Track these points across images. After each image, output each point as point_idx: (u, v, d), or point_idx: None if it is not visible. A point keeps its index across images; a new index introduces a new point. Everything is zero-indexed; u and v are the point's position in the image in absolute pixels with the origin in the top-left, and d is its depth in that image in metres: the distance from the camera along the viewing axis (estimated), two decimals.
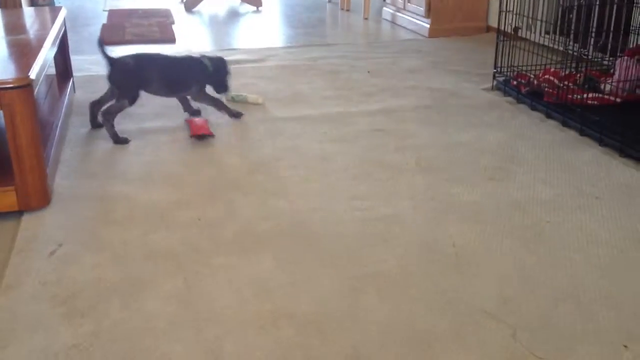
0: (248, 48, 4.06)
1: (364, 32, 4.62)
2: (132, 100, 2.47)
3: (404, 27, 4.72)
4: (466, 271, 1.60)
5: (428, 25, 4.39)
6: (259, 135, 2.53)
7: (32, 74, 1.83)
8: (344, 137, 2.50)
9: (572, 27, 3.16)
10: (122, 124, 2.60)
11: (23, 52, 2.08)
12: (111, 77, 2.45)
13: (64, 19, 2.82)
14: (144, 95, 2.53)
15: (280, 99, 2.97)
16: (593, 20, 2.92)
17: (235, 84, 3.15)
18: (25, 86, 1.78)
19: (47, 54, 2.12)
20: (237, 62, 3.66)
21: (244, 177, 2.15)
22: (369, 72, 3.44)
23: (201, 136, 2.44)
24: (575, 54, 2.78)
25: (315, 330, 1.38)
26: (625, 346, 1.33)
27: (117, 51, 3.92)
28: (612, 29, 3.07)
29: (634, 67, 2.74)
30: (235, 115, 2.68)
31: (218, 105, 2.63)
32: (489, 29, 4.45)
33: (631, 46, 2.92)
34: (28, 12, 2.93)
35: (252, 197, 2.00)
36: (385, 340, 1.35)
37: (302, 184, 2.10)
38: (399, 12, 4.83)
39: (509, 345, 1.34)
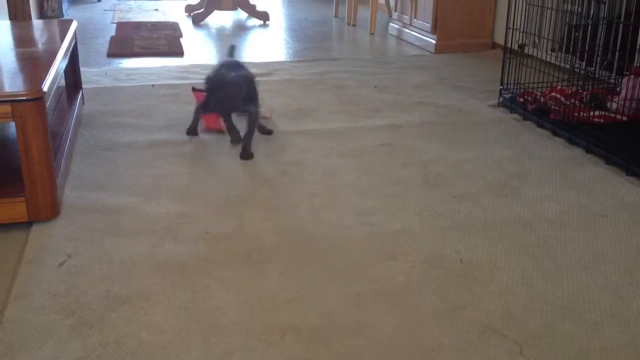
0: (255, 62, 4.08)
1: (371, 48, 4.65)
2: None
3: (410, 43, 4.75)
4: (473, 287, 1.61)
5: (434, 41, 4.42)
6: (266, 149, 2.54)
7: (45, 87, 1.85)
8: (351, 152, 2.51)
9: (579, 45, 3.18)
10: (129, 135, 2.63)
11: (35, 65, 2.10)
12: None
13: (75, 31, 2.85)
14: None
15: (288, 113, 2.99)
16: (599, 39, 2.94)
17: None
18: (37, 99, 1.80)
19: (58, 66, 2.14)
20: None
21: (252, 191, 2.17)
22: (375, 87, 3.46)
23: (215, 130, 2.50)
24: (581, 72, 2.80)
25: (322, 345, 1.39)
26: None
27: (125, 63, 3.96)
28: (618, 47, 3.09)
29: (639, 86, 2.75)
30: (268, 131, 2.68)
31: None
32: (494, 45, 4.47)
33: (637, 65, 2.93)
34: (38, 24, 2.96)
35: (260, 211, 2.01)
36: (392, 356, 1.36)
37: (309, 198, 2.11)
38: (405, 27, 4.87)
39: None
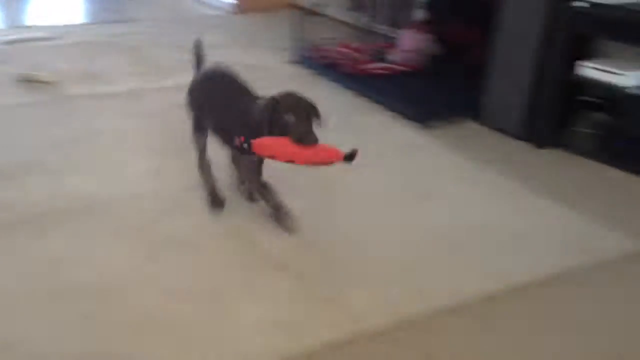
0: (43, 25, 3.81)
1: (169, 8, 4.54)
2: None
3: (210, 4, 4.71)
4: (263, 229, 1.69)
5: (234, 1, 4.42)
6: (52, 115, 2.41)
7: None
8: (144, 113, 2.47)
9: (365, 3, 3.39)
10: None
11: None
12: None
13: None
14: None
15: (77, 77, 2.84)
16: None
17: (28, 63, 2.96)
18: None
19: None
20: (30, 40, 3.42)
21: (37, 157, 2.05)
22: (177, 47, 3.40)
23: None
24: (367, 28, 2.99)
25: (115, 301, 1.39)
26: None
27: None
28: (399, 4, 3.33)
29: (416, 39, 3.01)
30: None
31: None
32: (292, 5, 4.58)
33: (415, 20, 3.19)
34: None
35: (46, 177, 1.92)
36: (180, 300, 1.40)
37: (99, 161, 2.05)
38: None
39: (295, 290, 1.45)
